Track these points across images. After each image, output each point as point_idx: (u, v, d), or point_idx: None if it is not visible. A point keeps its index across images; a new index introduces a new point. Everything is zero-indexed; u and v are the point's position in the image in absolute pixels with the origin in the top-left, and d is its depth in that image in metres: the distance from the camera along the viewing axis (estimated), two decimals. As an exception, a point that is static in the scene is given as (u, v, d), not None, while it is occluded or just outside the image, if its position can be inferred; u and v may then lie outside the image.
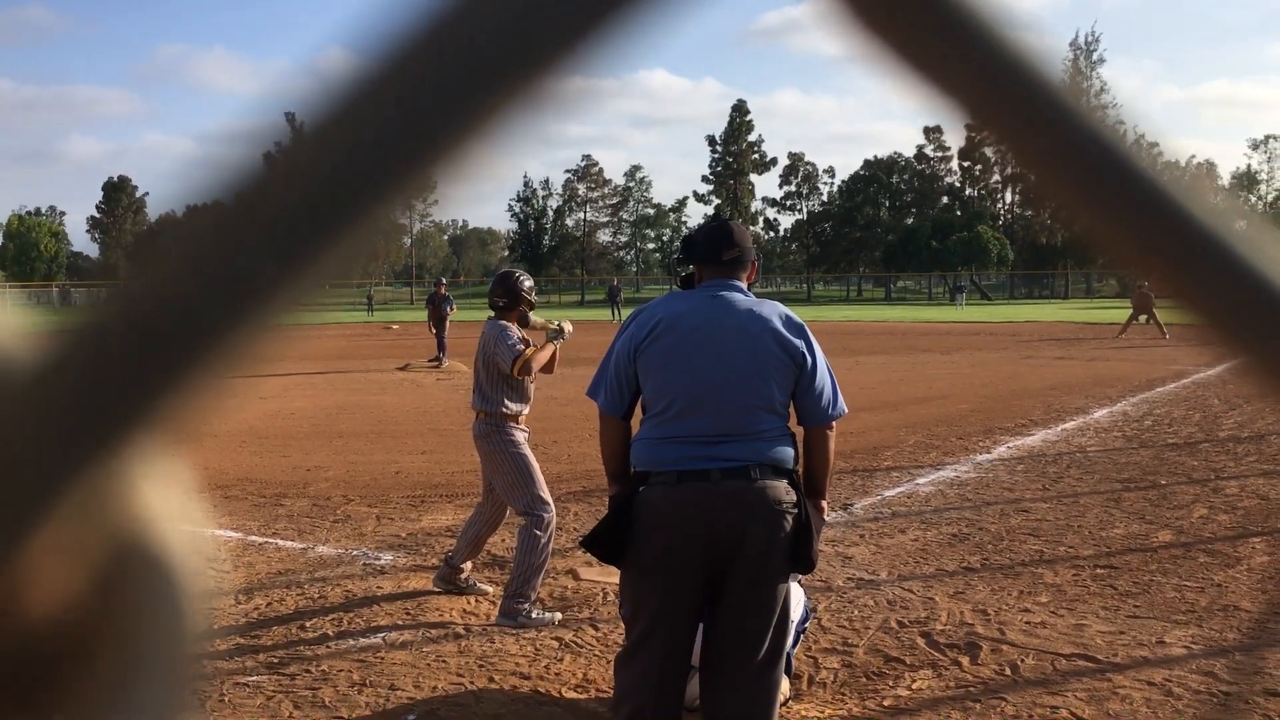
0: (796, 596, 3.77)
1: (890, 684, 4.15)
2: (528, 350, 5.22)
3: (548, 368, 5.39)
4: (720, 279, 3.35)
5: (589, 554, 3.35)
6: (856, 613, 4.99)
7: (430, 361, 20.45)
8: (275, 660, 4.48)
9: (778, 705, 3.28)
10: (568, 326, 5.43)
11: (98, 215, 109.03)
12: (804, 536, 3.18)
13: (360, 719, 3.85)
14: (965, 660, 4.37)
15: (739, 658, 3.19)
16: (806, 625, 4.25)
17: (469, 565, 5.45)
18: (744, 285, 3.39)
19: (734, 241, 3.40)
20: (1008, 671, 4.24)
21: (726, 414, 3.18)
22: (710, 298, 3.31)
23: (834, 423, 3.36)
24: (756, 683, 3.20)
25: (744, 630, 3.19)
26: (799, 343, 3.26)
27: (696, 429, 3.19)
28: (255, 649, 4.63)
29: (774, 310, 3.31)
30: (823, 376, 3.30)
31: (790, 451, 3.23)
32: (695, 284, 3.41)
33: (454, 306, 21.39)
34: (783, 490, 3.16)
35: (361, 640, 4.74)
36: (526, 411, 5.29)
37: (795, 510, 3.16)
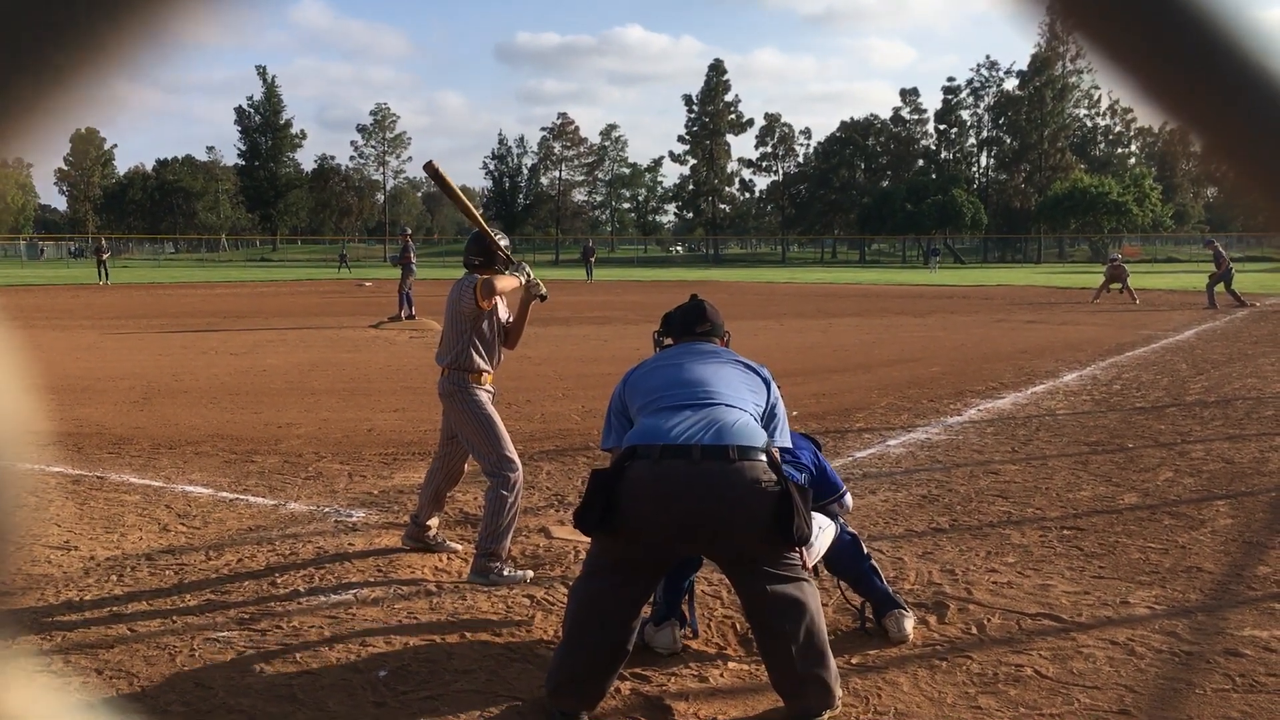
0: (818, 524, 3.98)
1: (859, 642, 4.19)
2: (480, 278, 5.18)
3: (518, 324, 5.37)
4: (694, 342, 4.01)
5: (579, 529, 3.56)
6: (825, 572, 5.03)
7: (392, 320, 20.16)
8: (246, 616, 4.48)
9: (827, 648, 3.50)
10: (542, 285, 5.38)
11: (65, 167, 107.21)
12: (786, 509, 3.34)
13: (331, 673, 3.86)
14: (933, 619, 4.42)
15: (775, 629, 3.42)
16: (866, 553, 4.43)
17: (436, 522, 5.44)
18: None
19: (706, 318, 4.05)
20: (974, 630, 4.30)
21: (706, 398, 3.59)
22: (684, 344, 3.99)
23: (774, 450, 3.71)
24: (802, 646, 3.43)
25: (770, 603, 3.42)
26: (762, 370, 3.84)
27: (678, 406, 3.56)
28: (226, 605, 4.62)
29: (737, 354, 3.93)
30: (779, 405, 3.78)
31: (764, 435, 3.56)
32: None
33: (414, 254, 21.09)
34: (761, 470, 3.42)
35: (333, 597, 4.74)
36: (492, 370, 5.25)
37: (776, 488, 3.40)
